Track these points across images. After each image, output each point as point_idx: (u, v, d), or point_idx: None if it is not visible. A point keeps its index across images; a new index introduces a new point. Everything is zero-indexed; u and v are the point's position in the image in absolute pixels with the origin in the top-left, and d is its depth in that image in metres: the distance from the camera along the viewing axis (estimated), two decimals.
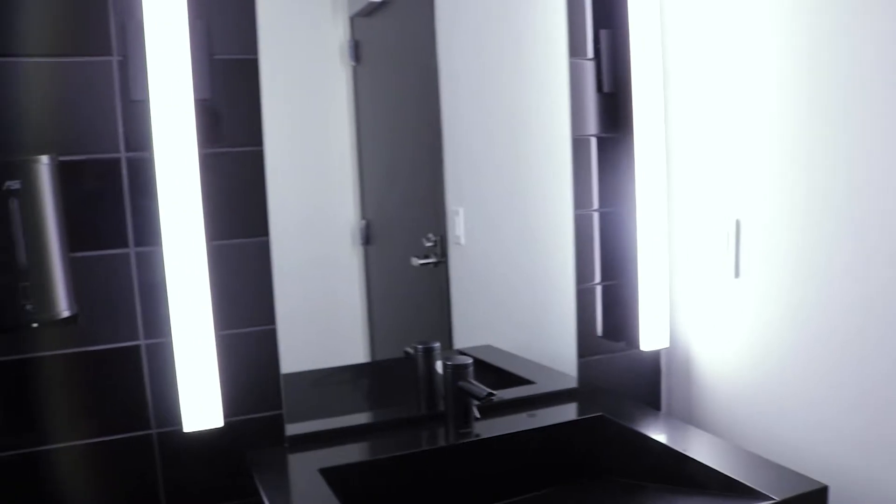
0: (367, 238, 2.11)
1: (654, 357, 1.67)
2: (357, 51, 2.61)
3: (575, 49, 1.56)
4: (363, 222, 2.07)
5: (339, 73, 2.63)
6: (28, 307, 1.18)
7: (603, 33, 1.56)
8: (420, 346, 1.50)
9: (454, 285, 2.17)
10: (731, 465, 1.26)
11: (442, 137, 2.18)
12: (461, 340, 2.12)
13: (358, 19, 2.58)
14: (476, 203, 2.08)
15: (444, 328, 2.06)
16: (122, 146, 1.25)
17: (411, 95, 2.34)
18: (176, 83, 1.22)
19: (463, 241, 2.13)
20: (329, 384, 1.84)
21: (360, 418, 1.51)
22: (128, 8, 1.22)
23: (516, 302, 1.95)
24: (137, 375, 1.29)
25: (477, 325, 2.10)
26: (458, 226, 2.15)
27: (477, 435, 1.41)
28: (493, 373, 1.81)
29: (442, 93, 2.17)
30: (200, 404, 1.27)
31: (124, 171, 1.26)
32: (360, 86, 2.64)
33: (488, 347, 1.99)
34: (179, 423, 1.28)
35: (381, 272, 2.05)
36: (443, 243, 2.18)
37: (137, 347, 1.29)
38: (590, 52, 1.57)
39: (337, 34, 2.65)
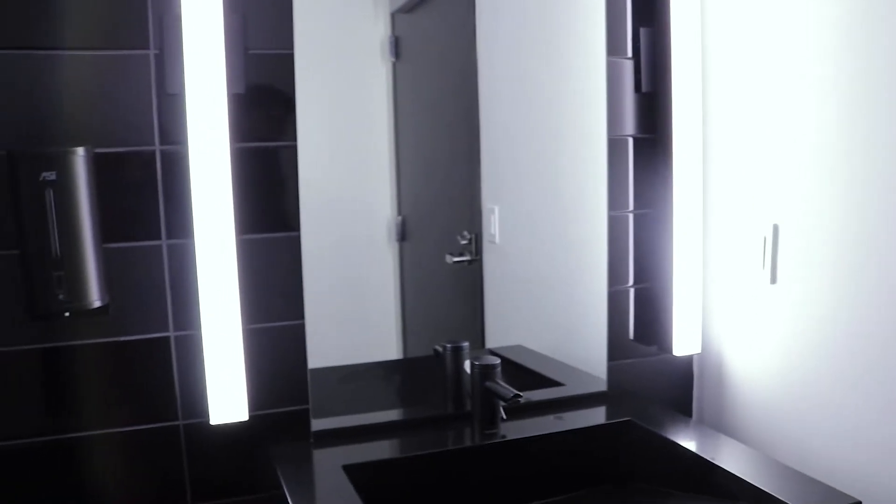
0: (403, 234, 2.10)
1: (687, 362, 1.64)
2: (397, 47, 2.61)
3: (613, 47, 1.54)
4: (399, 218, 2.06)
5: (379, 69, 2.63)
6: (61, 296, 1.20)
7: (643, 32, 1.53)
8: (448, 345, 1.49)
9: (487, 284, 2.16)
10: (762, 476, 1.23)
11: (479, 135, 2.16)
12: (493, 340, 2.11)
13: (399, 15, 2.58)
14: (511, 202, 2.07)
15: (476, 327, 2.05)
16: (156, 139, 1.27)
17: (450, 92, 2.33)
18: (210, 77, 1.23)
19: (497, 239, 2.12)
20: (358, 380, 1.84)
21: (387, 416, 1.51)
22: (165, 2, 1.23)
23: (548, 302, 1.93)
24: (166, 367, 1.30)
25: (509, 325, 2.08)
26: (493, 224, 2.14)
27: (503, 436, 1.39)
28: (523, 373, 1.79)
29: (480, 90, 2.16)
30: (227, 397, 1.28)
31: (158, 164, 1.27)
32: (400, 82, 2.64)
33: (519, 347, 1.98)
34: (206, 416, 1.29)
35: (416, 269, 2.04)
36: (477, 241, 2.17)
37: (167, 339, 1.30)
38: (629, 51, 1.55)
39: (378, 30, 2.65)
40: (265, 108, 1.32)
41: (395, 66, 2.63)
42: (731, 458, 1.31)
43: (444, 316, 2.03)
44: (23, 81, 1.19)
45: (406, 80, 2.61)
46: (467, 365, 1.45)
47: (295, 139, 1.35)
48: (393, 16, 2.59)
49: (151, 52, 1.25)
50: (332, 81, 1.93)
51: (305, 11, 2.45)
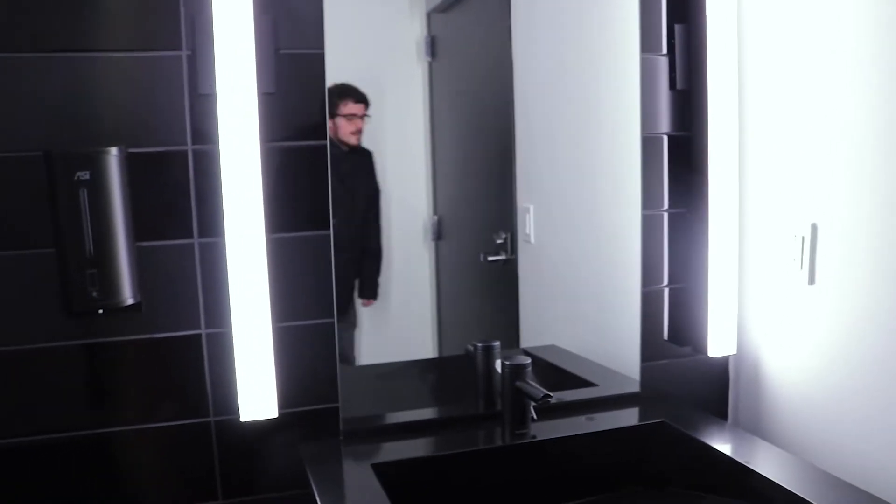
0: (439, 234, 2.10)
1: (722, 364, 1.61)
2: (433, 47, 2.61)
3: (648, 44, 1.52)
4: (435, 218, 2.06)
5: (415, 69, 2.63)
6: (94, 294, 1.22)
7: (678, 28, 1.51)
8: (479, 345, 1.48)
9: (522, 283, 2.15)
10: (799, 481, 1.20)
11: (514, 134, 2.15)
12: (528, 339, 2.10)
13: (435, 15, 2.58)
14: (546, 201, 2.06)
15: (511, 326, 2.04)
16: (188, 139, 1.28)
17: (486, 91, 2.32)
18: (241, 77, 1.24)
19: (533, 239, 2.11)
20: (390, 379, 1.84)
21: (417, 414, 1.51)
22: (198, 4, 1.25)
23: (582, 302, 1.91)
24: (198, 364, 1.32)
25: (543, 325, 2.07)
26: (528, 223, 2.12)
27: (533, 436, 1.38)
28: (556, 373, 1.78)
29: (516, 89, 2.15)
30: (257, 395, 1.29)
31: (191, 164, 1.29)
32: (436, 82, 2.64)
33: (553, 347, 1.96)
34: (236, 413, 1.30)
35: (452, 268, 2.04)
36: (513, 241, 2.16)
37: (199, 336, 1.32)
38: (663, 48, 1.52)
39: (414, 30, 2.65)
40: (296, 107, 1.33)
41: (431, 65, 2.63)
42: (767, 462, 1.29)
43: (480, 315, 2.02)
44: (59, 83, 1.21)
45: (442, 80, 2.61)
46: (498, 364, 1.44)
47: (325, 138, 1.35)
48: (429, 15, 2.60)
49: (184, 54, 1.26)
50: (369, 81, 1.95)
51: (342, 12, 2.46)
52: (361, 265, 2.08)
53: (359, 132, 2.00)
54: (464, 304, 2.10)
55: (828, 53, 1.33)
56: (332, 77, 1.77)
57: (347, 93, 1.97)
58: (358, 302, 2.01)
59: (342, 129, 1.99)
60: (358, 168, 2.14)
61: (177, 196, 1.29)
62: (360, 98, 2.01)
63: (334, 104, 1.99)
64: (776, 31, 1.44)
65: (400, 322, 2.10)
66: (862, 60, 1.26)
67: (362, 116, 2.00)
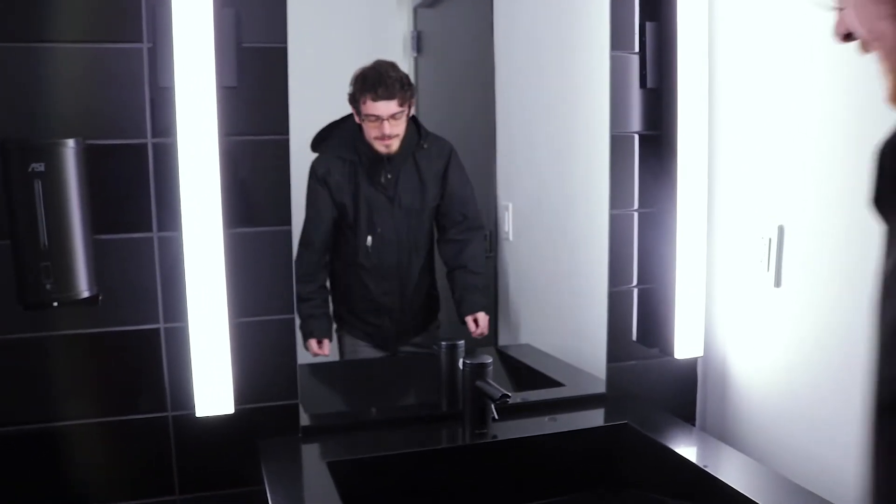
0: None
1: (690, 366, 1.59)
2: (419, 42, 2.61)
3: (618, 42, 1.50)
4: None
5: (401, 64, 2.62)
6: (48, 286, 1.21)
7: (649, 26, 1.49)
8: (444, 344, 1.47)
9: (501, 281, 2.14)
10: (763, 490, 1.18)
11: (495, 130, 2.14)
12: (505, 338, 2.09)
13: (421, 10, 2.57)
14: (524, 199, 2.05)
15: (490, 324, 2.03)
16: (148, 132, 1.27)
17: (469, 88, 2.32)
18: (200, 70, 1.23)
19: (511, 237, 2.10)
20: (356, 376, 1.84)
21: (379, 413, 1.50)
22: None
23: (554, 302, 1.90)
24: (156, 358, 1.31)
25: (521, 323, 2.06)
26: (507, 221, 2.11)
27: (494, 436, 1.37)
28: (528, 373, 1.77)
29: (497, 86, 2.14)
30: (213, 390, 1.28)
31: (150, 157, 1.28)
32: (421, 77, 2.63)
33: (527, 347, 1.95)
34: (193, 407, 1.29)
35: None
36: (492, 238, 2.15)
37: (157, 331, 1.31)
38: (635, 46, 1.51)
39: (401, 25, 2.65)
40: (258, 101, 1.32)
41: (416, 60, 2.62)
42: (730, 469, 1.27)
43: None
44: (16, 73, 1.20)
45: (427, 75, 2.60)
46: (461, 363, 1.43)
47: (287, 133, 1.34)
48: (416, 10, 2.59)
49: (145, 46, 1.26)
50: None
51: (331, 5, 2.45)
52: None
53: (388, 139, 1.89)
54: (445, 300, 2.10)
55: (798, 55, 1.31)
56: (317, 72, 1.74)
57: (367, 85, 1.86)
58: None
59: (367, 132, 1.90)
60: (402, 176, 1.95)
61: (136, 189, 1.28)
62: (386, 93, 1.85)
63: (356, 98, 1.89)
64: (747, 30, 1.42)
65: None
66: (831, 62, 1.24)
67: (391, 118, 1.86)
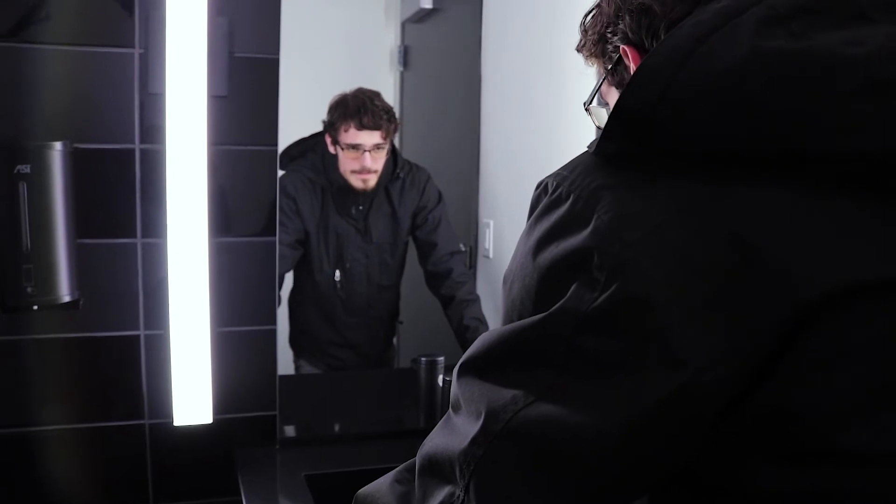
0: None
1: None
2: (406, 56, 2.62)
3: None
4: None
5: (387, 78, 2.63)
6: (29, 289, 1.20)
7: None
8: (424, 359, 1.47)
9: (480, 298, 2.15)
10: None
11: (480, 147, 2.16)
12: None
13: (409, 25, 2.58)
14: (506, 216, 2.06)
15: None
16: (137, 137, 1.27)
17: (454, 104, 2.33)
18: (191, 78, 1.23)
19: (491, 254, 2.11)
20: (337, 389, 1.83)
21: (358, 426, 1.50)
22: (153, 1, 1.24)
23: None
24: (135, 365, 1.30)
25: None
26: (488, 239, 2.12)
27: None
28: None
29: (483, 102, 2.15)
30: (192, 399, 1.28)
31: (138, 162, 1.27)
32: (407, 92, 2.64)
33: None
34: (171, 416, 1.29)
35: (413, 279, 2.03)
36: (472, 255, 2.16)
37: (137, 337, 1.30)
38: None
39: (388, 39, 2.66)
40: (248, 111, 1.32)
41: (402, 75, 2.63)
42: None
43: (438, 328, 2.01)
44: (4, 73, 1.20)
45: (412, 90, 2.61)
46: (440, 379, 1.44)
47: (276, 144, 1.34)
48: (404, 25, 2.60)
49: (137, 52, 1.25)
50: (341, 89, 1.92)
51: (319, 18, 2.46)
52: None
53: (366, 173, 1.79)
54: (423, 316, 2.10)
55: None
56: (302, 84, 1.73)
57: (349, 112, 1.77)
58: None
59: (343, 163, 1.80)
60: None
61: (122, 194, 1.27)
62: (371, 122, 1.76)
63: (335, 126, 1.80)
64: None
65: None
66: None
67: (374, 149, 1.79)
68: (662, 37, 0.61)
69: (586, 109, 0.77)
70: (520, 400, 0.55)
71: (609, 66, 0.68)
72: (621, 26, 0.65)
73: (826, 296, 0.49)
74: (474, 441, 0.56)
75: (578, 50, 0.73)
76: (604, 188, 0.55)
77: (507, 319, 0.61)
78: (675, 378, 0.50)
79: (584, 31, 0.72)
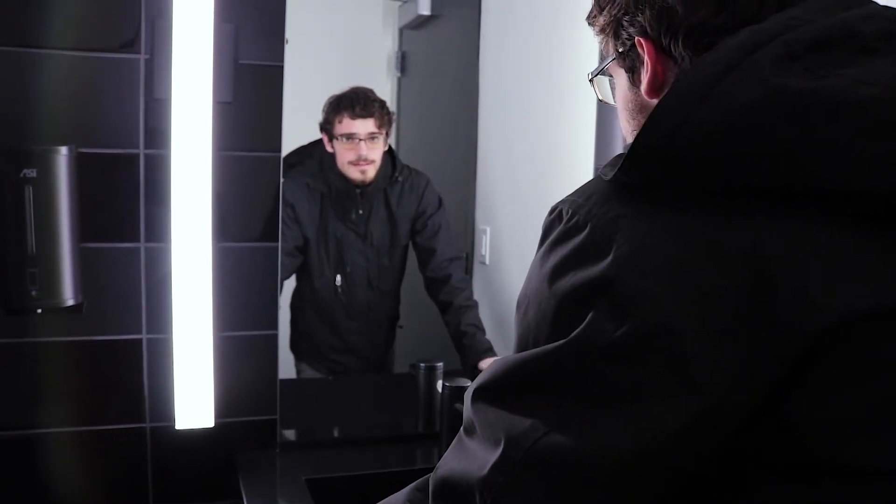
0: None
1: None
2: (404, 62, 2.63)
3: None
4: None
5: (384, 84, 2.65)
6: (34, 293, 1.21)
7: None
8: (423, 365, 1.48)
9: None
10: None
11: (477, 153, 2.17)
12: None
13: (407, 31, 2.60)
14: (502, 223, 2.07)
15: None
16: (141, 142, 1.28)
17: (451, 111, 2.34)
18: (197, 85, 1.24)
19: (488, 260, 2.12)
20: (337, 393, 1.84)
21: (357, 431, 1.51)
22: (159, 7, 1.24)
23: None
24: (137, 369, 1.31)
25: (495, 346, 2.08)
26: (484, 245, 2.14)
27: None
28: None
29: (480, 108, 2.16)
30: (194, 403, 1.29)
31: (142, 167, 1.28)
32: (404, 98, 2.66)
33: None
34: (173, 420, 1.29)
35: (410, 285, 2.05)
36: (468, 261, 2.17)
37: (140, 341, 1.31)
38: None
39: (386, 45, 2.67)
40: (252, 117, 1.33)
41: (400, 81, 2.65)
42: None
43: (436, 334, 2.02)
44: (11, 78, 1.21)
45: (410, 96, 2.63)
46: (440, 385, 1.45)
47: (279, 150, 1.35)
48: (401, 31, 2.62)
49: (142, 57, 1.26)
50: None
51: (318, 24, 2.47)
52: None
53: (363, 163, 1.81)
54: (422, 322, 2.11)
55: None
56: (301, 91, 1.74)
57: (343, 104, 1.80)
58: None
59: (340, 157, 1.83)
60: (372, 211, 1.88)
61: (126, 199, 1.28)
62: (364, 111, 1.79)
63: (329, 121, 1.83)
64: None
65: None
66: None
67: (369, 138, 1.81)
68: (681, 39, 0.62)
69: (590, 81, 0.77)
70: (539, 427, 0.56)
71: (621, 50, 0.67)
72: (640, 18, 0.64)
73: (843, 320, 0.50)
74: (495, 468, 0.57)
75: (590, 22, 0.72)
76: (621, 217, 0.56)
77: (522, 344, 0.62)
78: (697, 404, 0.52)
79: (599, 8, 0.69)
